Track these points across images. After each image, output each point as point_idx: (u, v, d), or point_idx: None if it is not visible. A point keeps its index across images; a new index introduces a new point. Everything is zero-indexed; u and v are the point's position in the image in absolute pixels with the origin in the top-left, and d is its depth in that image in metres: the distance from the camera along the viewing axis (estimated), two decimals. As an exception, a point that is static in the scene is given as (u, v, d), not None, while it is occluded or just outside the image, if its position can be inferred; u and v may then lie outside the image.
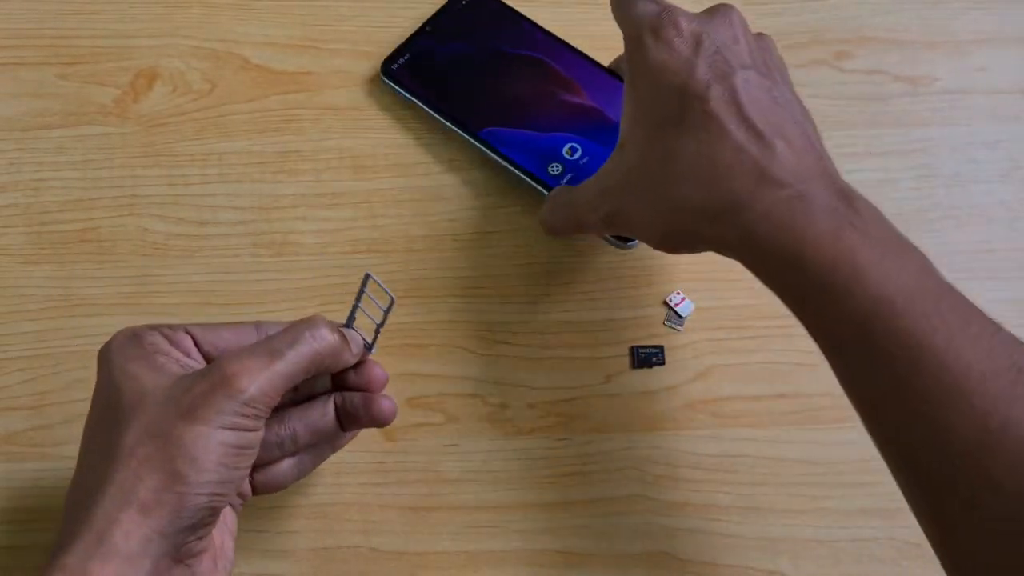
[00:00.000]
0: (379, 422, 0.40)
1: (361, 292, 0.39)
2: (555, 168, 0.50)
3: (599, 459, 0.46)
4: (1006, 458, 0.30)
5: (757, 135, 0.36)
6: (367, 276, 0.38)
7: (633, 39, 0.40)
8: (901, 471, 0.34)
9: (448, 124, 0.51)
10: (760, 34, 0.41)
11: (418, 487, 0.45)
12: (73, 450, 0.45)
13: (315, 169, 0.51)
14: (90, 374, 0.46)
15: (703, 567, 0.44)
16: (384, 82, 0.53)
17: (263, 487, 0.39)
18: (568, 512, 0.45)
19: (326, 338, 0.36)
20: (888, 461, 0.34)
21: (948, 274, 0.49)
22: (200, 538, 0.34)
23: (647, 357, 0.47)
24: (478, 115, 0.51)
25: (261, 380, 0.34)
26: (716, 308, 0.48)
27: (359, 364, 0.40)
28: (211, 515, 0.33)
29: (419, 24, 0.54)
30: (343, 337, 0.37)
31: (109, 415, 0.34)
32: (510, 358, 0.47)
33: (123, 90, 0.53)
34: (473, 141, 0.51)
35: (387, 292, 0.38)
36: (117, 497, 0.32)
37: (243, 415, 0.33)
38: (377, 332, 0.39)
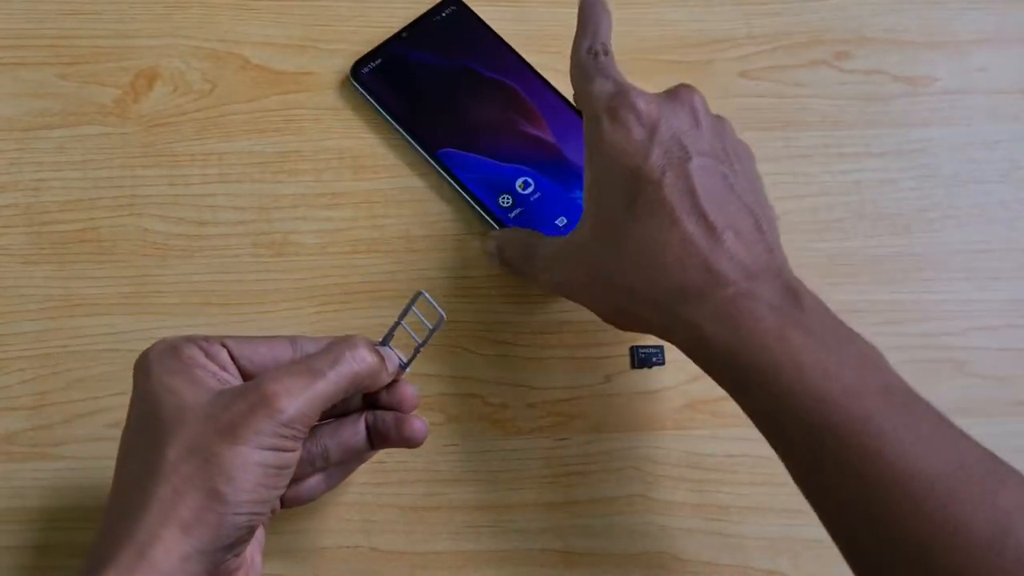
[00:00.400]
0: (410, 443, 0.39)
1: (407, 309, 0.39)
2: (505, 200, 0.50)
3: (599, 459, 0.46)
4: (955, 558, 0.30)
5: (708, 227, 0.36)
6: (419, 294, 0.38)
7: (590, 118, 0.40)
8: (850, 558, 0.34)
9: (407, 137, 0.51)
10: (719, 116, 0.41)
11: (418, 487, 0.45)
12: (73, 450, 0.45)
13: (315, 169, 0.51)
14: (89, 374, 0.47)
15: (703, 567, 0.44)
16: (352, 84, 0.52)
17: (292, 501, 0.39)
18: (568, 512, 0.45)
19: (366, 359, 0.36)
20: (839, 547, 0.34)
21: (948, 274, 0.50)
22: (236, 555, 0.34)
23: (647, 357, 0.47)
24: (438, 133, 0.51)
25: (300, 401, 0.34)
26: (716, 308, 0.48)
27: (392, 383, 0.39)
28: (248, 533, 0.34)
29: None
30: (381, 357, 0.37)
31: (148, 427, 0.34)
32: (510, 358, 0.47)
33: (123, 90, 0.53)
34: (428, 159, 0.51)
35: (438, 309, 0.38)
36: (159, 513, 0.32)
37: (282, 436, 0.33)
38: (417, 352, 0.39)
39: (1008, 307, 0.49)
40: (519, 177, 0.50)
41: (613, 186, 0.38)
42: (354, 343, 0.36)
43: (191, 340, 0.36)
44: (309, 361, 0.35)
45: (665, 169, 0.37)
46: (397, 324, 0.39)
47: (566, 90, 0.52)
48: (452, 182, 0.50)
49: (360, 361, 0.36)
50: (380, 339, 0.39)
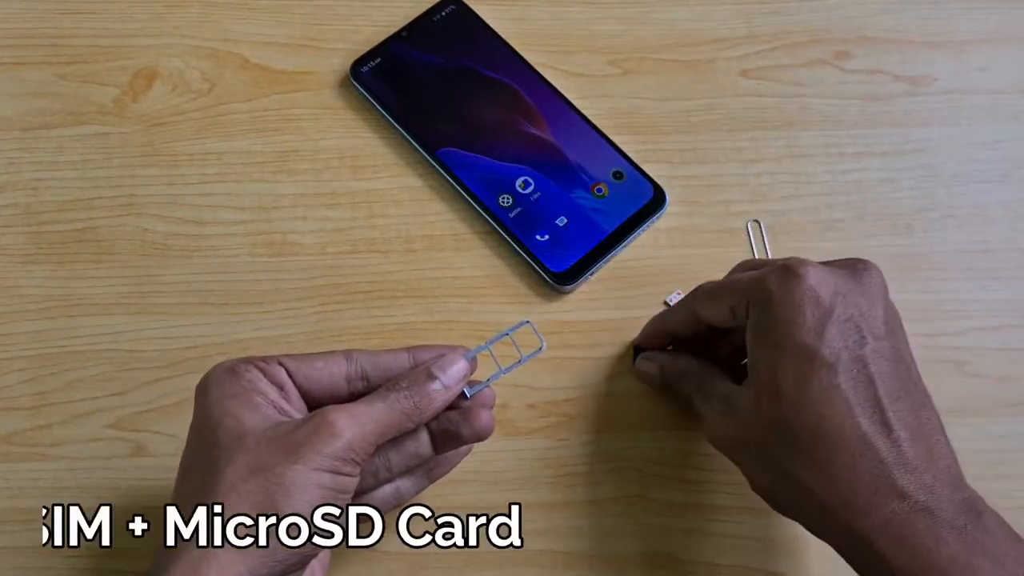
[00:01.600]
0: (480, 436, 0.38)
1: (503, 335, 0.39)
2: (505, 200, 0.50)
3: (599, 459, 0.46)
4: None
5: (884, 424, 0.33)
6: (526, 323, 0.40)
7: (759, 281, 0.36)
8: None
9: (406, 137, 0.51)
10: (889, 299, 0.37)
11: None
12: (72, 450, 0.45)
13: (314, 169, 0.51)
14: (89, 374, 0.47)
15: (703, 567, 0.44)
16: (351, 84, 0.52)
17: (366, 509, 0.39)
18: (568, 512, 0.45)
19: (431, 393, 0.36)
20: None
21: (948, 274, 0.50)
22: None
23: None
24: (438, 133, 0.51)
25: (360, 428, 0.34)
26: (716, 308, 0.48)
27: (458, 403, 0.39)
28: (301, 560, 0.33)
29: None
30: (447, 388, 0.37)
31: (207, 448, 0.34)
32: (510, 358, 0.47)
33: (122, 90, 0.53)
34: (428, 159, 0.51)
35: (540, 338, 0.39)
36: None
37: (341, 459, 0.33)
38: (502, 375, 0.39)
39: (1008, 307, 0.49)
40: (519, 177, 0.50)
41: (783, 360, 0.35)
42: (411, 380, 0.36)
43: (250, 361, 0.36)
44: (371, 396, 0.36)
45: (840, 353, 0.34)
46: (484, 347, 0.39)
47: (566, 90, 0.53)
48: (452, 182, 0.50)
49: (412, 397, 0.36)
50: (470, 355, 0.38)
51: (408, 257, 0.49)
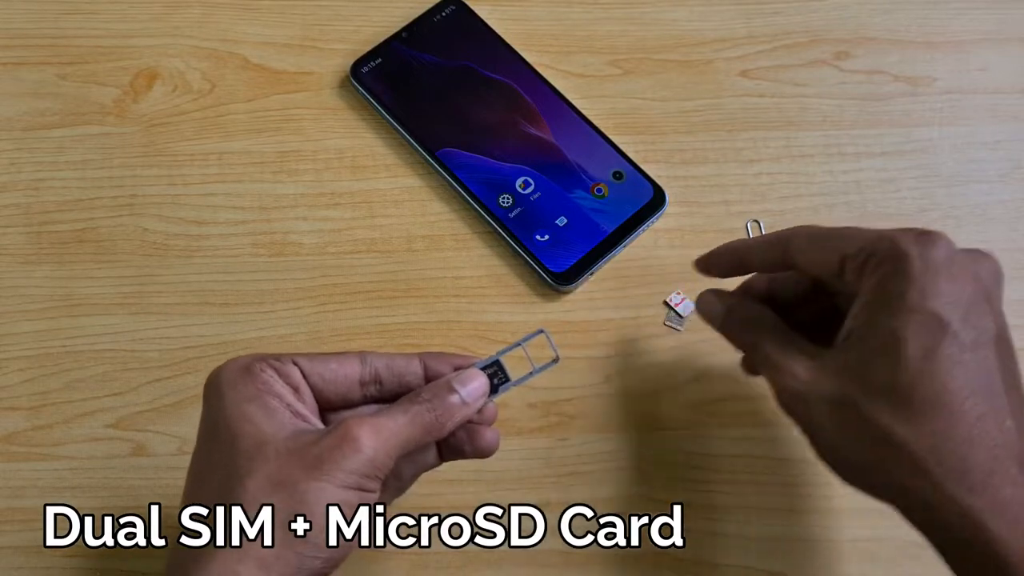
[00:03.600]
0: (483, 454, 0.38)
1: (516, 345, 0.39)
2: (505, 200, 0.50)
3: (599, 459, 0.46)
4: None
5: (1001, 411, 0.32)
6: (541, 332, 0.39)
7: (892, 252, 0.34)
8: None
9: (406, 137, 0.51)
10: None
11: (418, 487, 0.45)
12: (72, 450, 0.45)
13: (315, 169, 0.51)
14: (89, 374, 0.47)
15: (703, 567, 0.44)
16: (352, 84, 0.52)
17: None
18: (568, 512, 0.45)
19: (453, 405, 0.36)
20: None
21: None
22: None
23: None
24: (438, 133, 0.51)
25: (384, 442, 0.33)
26: (716, 308, 0.48)
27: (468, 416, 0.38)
28: (331, 569, 0.33)
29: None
30: (466, 402, 0.36)
31: (224, 456, 0.33)
32: (510, 358, 0.47)
33: (123, 90, 0.53)
34: (428, 159, 0.51)
35: (554, 350, 0.38)
36: (237, 548, 0.31)
37: (365, 475, 0.33)
38: (511, 387, 0.38)
39: (1008, 307, 0.49)
40: (519, 177, 0.50)
41: (912, 325, 0.33)
42: (433, 393, 0.36)
43: (263, 360, 0.35)
44: (392, 407, 0.35)
45: (971, 331, 0.33)
46: (496, 357, 0.38)
47: (566, 90, 0.53)
48: (452, 182, 0.50)
49: (435, 411, 0.35)
50: (480, 364, 0.38)
51: (408, 257, 0.49)
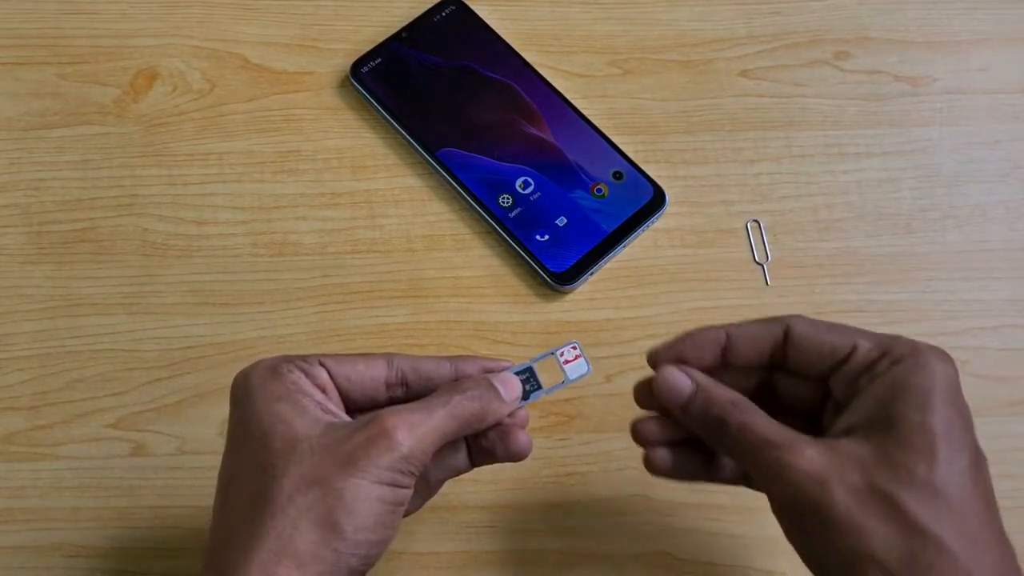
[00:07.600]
0: (516, 457, 0.37)
1: (549, 353, 0.38)
2: (505, 200, 0.50)
3: (599, 459, 0.46)
4: None
5: (1001, 531, 0.33)
6: (572, 344, 0.38)
7: (910, 350, 0.33)
8: None
9: (406, 137, 0.51)
10: None
11: (418, 487, 0.45)
12: (72, 450, 0.45)
13: (315, 169, 0.51)
14: (89, 374, 0.47)
15: (703, 567, 0.44)
16: (351, 84, 0.52)
17: None
18: (568, 512, 0.45)
19: (484, 398, 0.35)
20: None
21: (948, 274, 0.49)
22: None
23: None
24: (438, 133, 0.51)
25: (419, 436, 0.33)
26: (716, 308, 0.48)
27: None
28: (366, 569, 0.33)
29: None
30: (499, 394, 0.36)
31: (257, 458, 0.33)
32: (510, 358, 0.47)
33: (123, 90, 0.53)
34: (428, 159, 0.51)
35: (586, 363, 0.38)
36: (274, 548, 0.31)
37: (400, 471, 0.32)
38: (542, 395, 0.38)
39: (1008, 307, 0.49)
40: (519, 177, 0.50)
41: (946, 422, 0.33)
42: (474, 384, 0.35)
43: (290, 361, 0.35)
44: (429, 399, 0.35)
45: (978, 449, 0.34)
46: (529, 365, 0.38)
47: (566, 90, 0.53)
48: (452, 182, 0.50)
49: (479, 400, 0.35)
50: (514, 369, 0.38)
51: (408, 257, 0.49)
